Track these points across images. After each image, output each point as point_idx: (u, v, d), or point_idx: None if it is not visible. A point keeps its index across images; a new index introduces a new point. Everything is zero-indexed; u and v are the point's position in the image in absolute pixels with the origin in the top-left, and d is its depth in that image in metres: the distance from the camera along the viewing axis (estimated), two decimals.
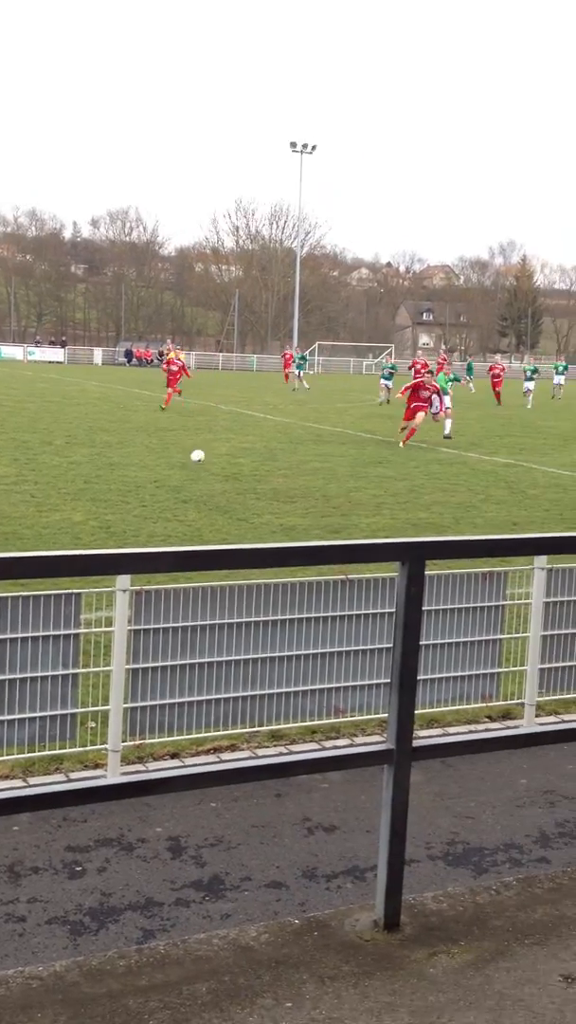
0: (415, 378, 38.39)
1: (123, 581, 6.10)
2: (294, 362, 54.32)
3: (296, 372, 52.80)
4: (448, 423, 27.94)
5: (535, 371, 45.61)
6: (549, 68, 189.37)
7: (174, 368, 35.40)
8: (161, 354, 57.85)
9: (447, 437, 27.12)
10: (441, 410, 27.39)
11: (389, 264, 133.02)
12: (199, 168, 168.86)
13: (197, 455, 20.09)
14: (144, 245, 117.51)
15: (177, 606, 6.13)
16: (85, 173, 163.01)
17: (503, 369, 44.18)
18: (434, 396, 26.33)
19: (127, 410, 34.03)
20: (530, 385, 43.71)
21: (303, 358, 55.89)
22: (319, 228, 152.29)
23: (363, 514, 15.23)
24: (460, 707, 7.22)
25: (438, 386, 26.69)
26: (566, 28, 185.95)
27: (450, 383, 31.48)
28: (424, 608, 6.64)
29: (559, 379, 50.09)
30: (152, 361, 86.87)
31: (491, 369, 45.50)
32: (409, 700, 3.46)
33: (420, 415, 25.53)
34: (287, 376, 57.48)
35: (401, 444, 25.16)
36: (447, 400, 29.05)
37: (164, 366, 36.57)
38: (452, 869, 5.37)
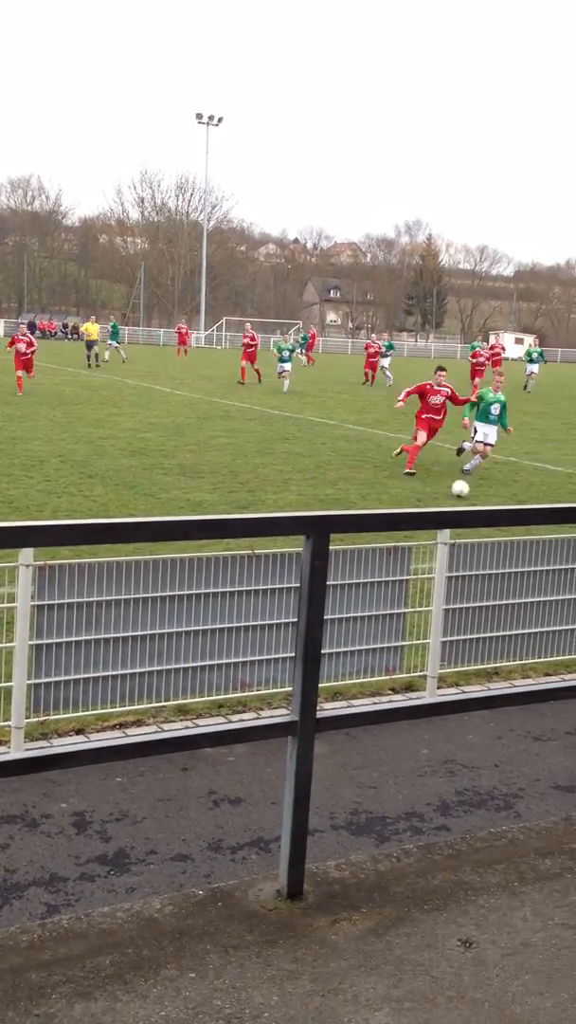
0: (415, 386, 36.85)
1: (26, 556, 6.01)
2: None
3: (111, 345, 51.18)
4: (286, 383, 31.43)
5: (540, 355, 45.76)
6: (457, 47, 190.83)
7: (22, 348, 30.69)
8: (66, 327, 56.82)
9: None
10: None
11: (296, 240, 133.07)
12: (103, 137, 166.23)
13: (460, 487, 15.71)
14: (47, 215, 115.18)
15: (81, 581, 6.07)
16: None
17: (379, 348, 43.07)
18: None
19: (30, 382, 33.41)
20: (534, 368, 43.67)
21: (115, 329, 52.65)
22: (226, 202, 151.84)
23: (270, 490, 15.27)
24: (364, 680, 7.31)
25: (451, 390, 18.08)
26: (475, 9, 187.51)
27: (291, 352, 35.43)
28: (329, 583, 6.74)
29: (532, 368, 44.91)
30: (55, 334, 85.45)
31: (367, 347, 44.43)
32: (313, 673, 3.50)
33: (422, 435, 18.01)
34: (179, 351, 58.60)
35: (407, 468, 17.77)
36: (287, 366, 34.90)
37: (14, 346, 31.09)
38: (355, 838, 5.45)
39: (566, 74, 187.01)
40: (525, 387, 42.11)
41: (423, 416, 17.99)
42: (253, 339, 39.82)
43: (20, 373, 30.10)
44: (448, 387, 18.00)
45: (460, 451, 18.80)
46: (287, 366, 36.57)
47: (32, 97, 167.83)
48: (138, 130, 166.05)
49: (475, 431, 17.83)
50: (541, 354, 46.27)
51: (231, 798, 5.82)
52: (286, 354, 37.09)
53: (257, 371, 38.84)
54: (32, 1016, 2.72)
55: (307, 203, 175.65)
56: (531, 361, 44.63)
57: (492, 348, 47.27)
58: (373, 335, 47.92)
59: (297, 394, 34.81)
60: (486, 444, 17.76)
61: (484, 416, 17.77)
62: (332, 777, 6.13)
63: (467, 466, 17.85)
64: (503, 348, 47.23)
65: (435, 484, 16.54)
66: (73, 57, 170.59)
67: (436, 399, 17.90)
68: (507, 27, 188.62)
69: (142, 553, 6.51)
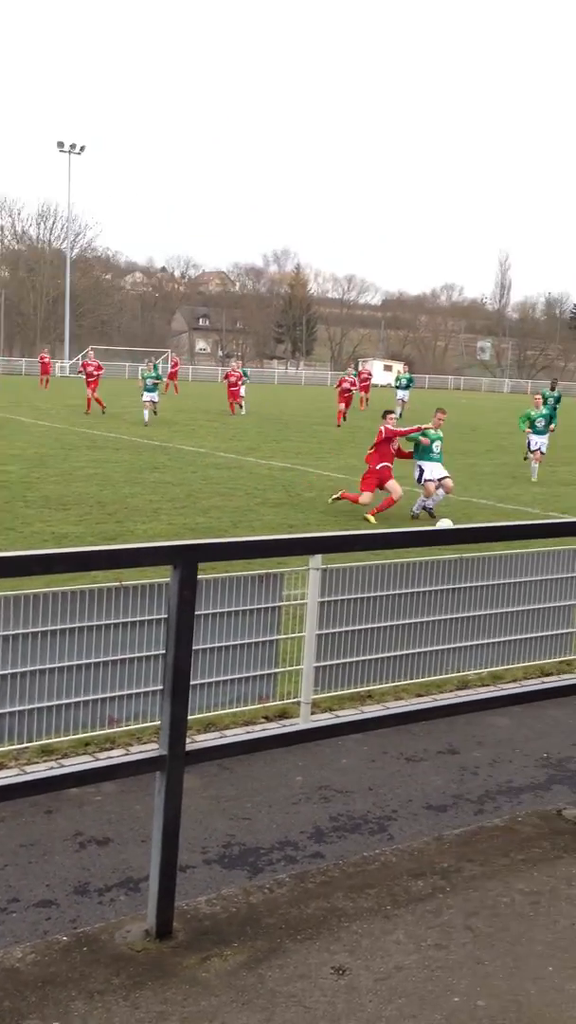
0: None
1: None
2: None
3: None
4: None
5: (410, 380, 46.44)
6: (318, 78, 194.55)
7: None
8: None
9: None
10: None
11: (164, 269, 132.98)
12: None
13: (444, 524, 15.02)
14: None
15: None
16: None
17: (239, 377, 42.46)
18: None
19: None
20: (404, 394, 44.05)
21: None
22: (90, 230, 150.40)
23: (139, 520, 15.11)
24: (238, 709, 7.25)
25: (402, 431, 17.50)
26: (330, 41, 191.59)
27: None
28: (200, 612, 6.67)
29: (403, 394, 44.44)
30: None
31: (227, 376, 44.02)
32: (181, 705, 3.45)
33: (392, 483, 16.81)
34: (42, 381, 58.04)
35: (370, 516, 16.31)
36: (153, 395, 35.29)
37: None
38: (228, 871, 5.38)
39: (425, 109, 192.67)
40: (400, 414, 42.69)
41: (380, 467, 16.83)
42: (98, 367, 39.74)
43: None
44: (398, 430, 17.49)
45: (416, 517, 17.01)
46: (154, 395, 35.73)
47: None
48: None
49: (420, 470, 17.19)
50: (410, 380, 47.42)
51: (98, 839, 5.67)
52: (149, 383, 36.15)
53: (98, 400, 38.18)
54: None
55: (174, 232, 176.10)
56: (402, 387, 45.23)
57: (360, 375, 48.12)
58: (233, 363, 47.70)
59: (167, 423, 34.65)
60: (441, 479, 17.04)
61: (427, 454, 17.30)
62: (204, 810, 6.04)
63: (425, 505, 17.00)
64: (370, 374, 48.11)
65: (307, 511, 16.65)
66: None
67: (395, 445, 17.29)
68: (366, 64, 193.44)
69: (3, 588, 6.33)
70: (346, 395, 40.15)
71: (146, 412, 34.89)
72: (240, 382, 42.38)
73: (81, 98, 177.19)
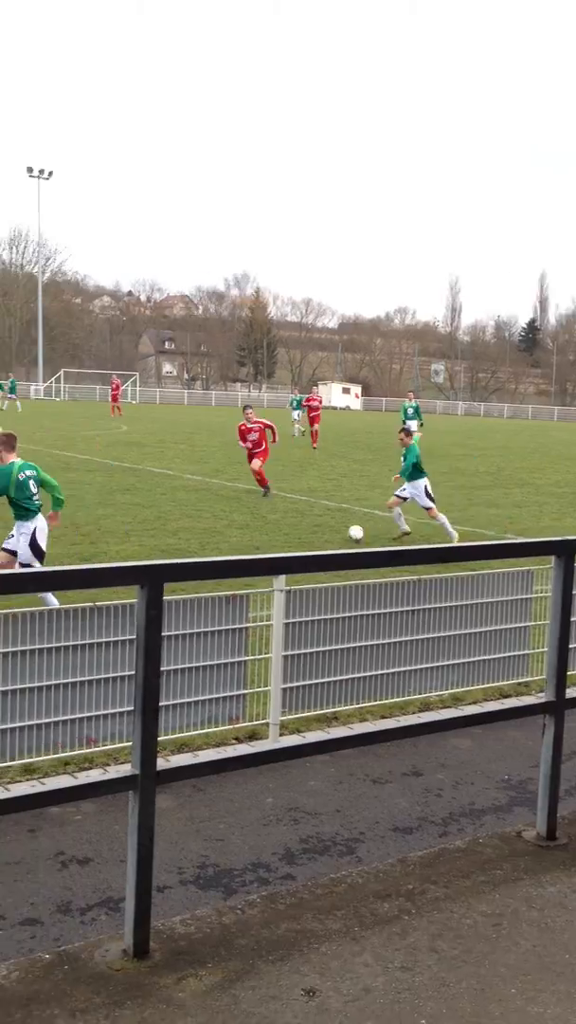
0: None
1: None
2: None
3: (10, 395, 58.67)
4: None
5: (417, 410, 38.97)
6: (278, 101, 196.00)
7: None
8: None
9: None
10: None
11: (130, 293, 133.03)
12: None
13: (356, 532, 16.26)
14: None
15: None
16: None
17: (320, 401, 40.18)
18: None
19: None
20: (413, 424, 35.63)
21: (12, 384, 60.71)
22: (60, 254, 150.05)
23: (112, 541, 15.17)
24: (209, 730, 7.34)
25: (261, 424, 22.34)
26: (307, 60, 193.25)
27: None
28: (169, 632, 6.77)
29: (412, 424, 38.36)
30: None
31: (308, 400, 41.19)
32: (152, 725, 3.52)
33: (256, 462, 22.09)
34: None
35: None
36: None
37: None
38: (203, 892, 5.46)
39: (382, 136, 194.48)
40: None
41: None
42: None
43: None
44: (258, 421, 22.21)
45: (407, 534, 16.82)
46: None
47: None
48: None
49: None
50: (417, 410, 39.51)
51: (80, 858, 5.74)
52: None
53: None
54: None
55: (139, 256, 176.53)
56: (410, 418, 37.53)
57: (309, 401, 41.56)
58: (314, 389, 44.77)
59: (136, 444, 34.69)
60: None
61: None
62: (179, 831, 6.12)
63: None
64: (319, 400, 41.71)
65: (272, 532, 16.76)
66: None
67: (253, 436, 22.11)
68: (323, 94, 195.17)
69: None
70: (314, 413, 38.87)
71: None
72: (321, 406, 40.60)
73: (49, 124, 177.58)
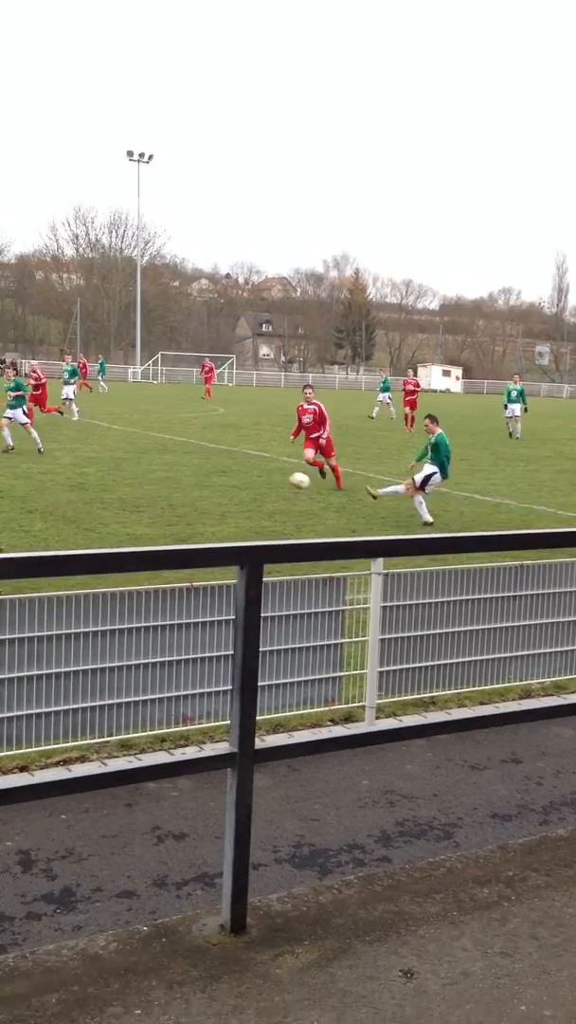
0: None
1: None
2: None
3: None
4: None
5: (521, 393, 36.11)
6: (382, 83, 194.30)
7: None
8: (3, 362, 56.95)
9: None
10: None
11: (228, 275, 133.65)
12: (37, 174, 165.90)
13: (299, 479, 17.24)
14: None
15: (23, 616, 6.05)
16: None
17: (416, 385, 38.64)
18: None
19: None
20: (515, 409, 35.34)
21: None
22: (159, 238, 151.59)
23: (208, 523, 15.29)
24: (304, 712, 7.35)
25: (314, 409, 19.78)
26: (397, 47, 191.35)
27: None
28: (266, 614, 6.78)
29: (514, 408, 36.18)
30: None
31: (405, 384, 39.48)
32: (250, 704, 3.53)
33: (308, 451, 19.98)
34: (85, 384, 58.61)
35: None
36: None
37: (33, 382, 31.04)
38: (298, 871, 5.47)
39: (486, 112, 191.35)
40: (510, 434, 35.36)
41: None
42: (38, 379, 35.00)
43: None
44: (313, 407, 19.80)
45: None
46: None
47: None
48: (71, 168, 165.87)
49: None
50: (521, 393, 36.35)
51: (175, 833, 5.82)
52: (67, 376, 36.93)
53: (51, 408, 33.19)
54: None
55: (238, 238, 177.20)
56: (513, 401, 35.92)
57: (406, 386, 39.57)
58: (410, 372, 43.70)
59: (233, 427, 34.92)
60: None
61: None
62: (275, 810, 6.15)
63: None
64: (416, 384, 39.42)
65: (369, 515, 16.69)
66: (5, 96, 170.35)
67: (306, 419, 19.86)
68: (432, 69, 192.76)
69: (83, 587, 6.51)
70: (410, 397, 37.55)
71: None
72: (418, 390, 39.07)
73: (149, 108, 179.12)
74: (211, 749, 6.44)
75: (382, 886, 3.95)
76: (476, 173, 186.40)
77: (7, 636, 6.03)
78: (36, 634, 6.09)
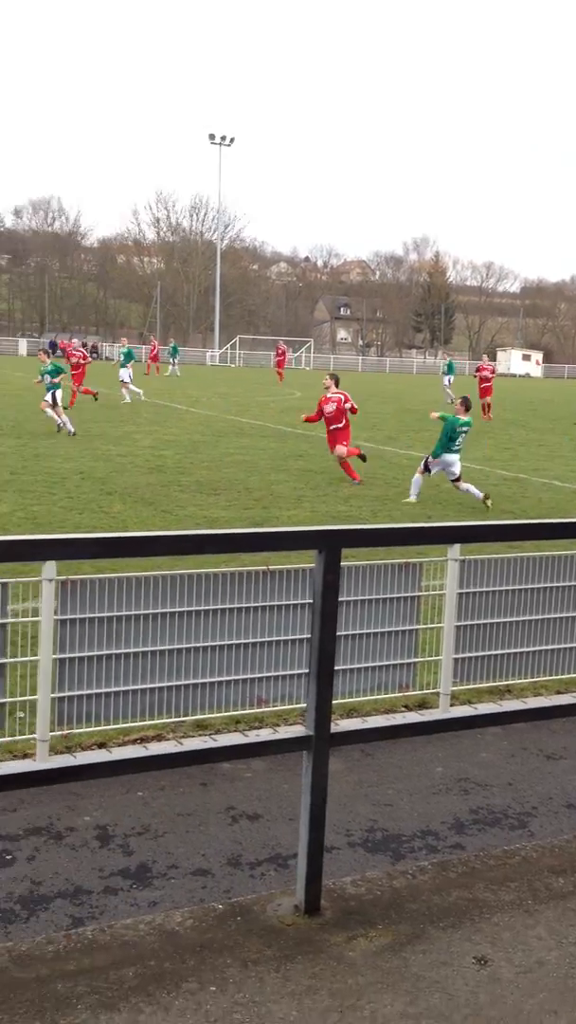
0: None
1: (49, 570, 6.10)
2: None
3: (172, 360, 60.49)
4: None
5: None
6: (463, 67, 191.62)
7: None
8: (85, 346, 57.40)
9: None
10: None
11: (307, 259, 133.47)
12: (119, 158, 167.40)
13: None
14: (67, 235, 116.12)
15: (102, 596, 6.15)
16: (7, 162, 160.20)
17: (492, 371, 36.40)
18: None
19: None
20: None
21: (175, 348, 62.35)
22: (239, 221, 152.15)
23: (284, 507, 15.34)
24: (378, 697, 7.35)
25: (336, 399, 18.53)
26: (486, 27, 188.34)
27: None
28: (342, 599, 6.79)
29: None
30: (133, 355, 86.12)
31: (479, 369, 37.43)
32: (326, 687, 3.54)
33: (339, 448, 18.55)
34: (152, 367, 58.87)
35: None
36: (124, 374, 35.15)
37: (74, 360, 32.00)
38: (371, 855, 5.49)
39: (559, 93, 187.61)
40: None
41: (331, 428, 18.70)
42: (84, 356, 34.11)
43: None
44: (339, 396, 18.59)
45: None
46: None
47: (51, 120, 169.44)
48: (153, 151, 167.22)
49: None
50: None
51: (249, 814, 5.88)
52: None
53: (87, 390, 32.21)
54: None
55: (317, 221, 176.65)
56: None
57: (480, 371, 37.38)
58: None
59: (309, 411, 34.82)
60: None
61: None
62: (348, 794, 6.17)
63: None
64: (491, 369, 36.72)
65: (446, 501, 16.57)
66: (89, 81, 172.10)
67: (329, 407, 18.62)
68: (513, 47, 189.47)
69: (160, 569, 6.59)
70: (485, 384, 35.15)
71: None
72: (493, 376, 36.77)
73: (231, 91, 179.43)
74: (286, 731, 6.48)
75: (456, 873, 3.94)
76: (559, 153, 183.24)
77: (88, 615, 6.14)
78: (115, 614, 6.18)
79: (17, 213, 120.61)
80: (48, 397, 24.63)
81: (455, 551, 7.33)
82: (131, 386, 36.17)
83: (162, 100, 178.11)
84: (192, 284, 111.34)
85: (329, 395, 18.75)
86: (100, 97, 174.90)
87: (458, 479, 16.29)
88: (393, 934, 3.43)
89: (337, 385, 19.04)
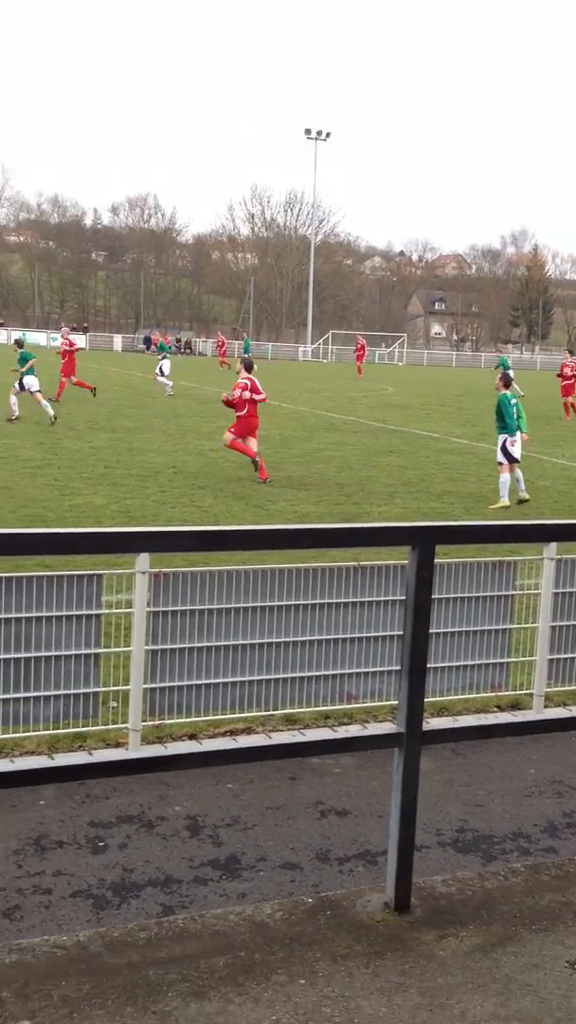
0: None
1: (142, 563, 6.19)
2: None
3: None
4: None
5: None
6: (560, 58, 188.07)
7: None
8: (179, 341, 57.74)
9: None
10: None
11: (402, 253, 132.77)
12: (215, 155, 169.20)
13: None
14: (162, 232, 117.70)
15: (194, 589, 6.21)
16: (105, 160, 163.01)
17: (574, 368, 33.28)
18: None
19: (146, 396, 34.22)
20: None
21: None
22: (333, 216, 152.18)
23: (375, 503, 15.29)
24: (470, 696, 7.28)
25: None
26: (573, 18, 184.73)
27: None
28: (435, 596, 6.73)
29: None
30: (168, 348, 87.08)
31: (563, 367, 34.13)
32: (419, 684, 3.51)
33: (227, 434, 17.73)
34: (223, 361, 58.33)
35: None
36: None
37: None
38: (461, 856, 5.44)
39: None
40: None
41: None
42: (71, 344, 32.13)
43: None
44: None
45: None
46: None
47: (148, 119, 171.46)
48: (249, 148, 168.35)
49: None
50: None
51: (338, 809, 5.87)
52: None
53: (80, 383, 31.29)
54: (149, 1013, 2.80)
55: (412, 215, 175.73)
56: None
57: (563, 368, 34.26)
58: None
59: (401, 407, 34.73)
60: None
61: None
62: (438, 794, 6.12)
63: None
64: (573, 368, 33.37)
65: (541, 499, 16.32)
66: (186, 79, 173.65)
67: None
68: None
69: (252, 563, 6.62)
70: (567, 382, 32.94)
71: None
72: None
73: (327, 86, 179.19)
74: (376, 728, 6.46)
75: (549, 876, 3.88)
76: None
77: (180, 608, 6.20)
78: (207, 607, 6.23)
79: (114, 210, 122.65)
80: (16, 385, 24.82)
81: (551, 550, 7.21)
82: (160, 378, 36.59)
83: (258, 96, 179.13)
84: (285, 279, 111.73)
85: (239, 380, 17.59)
86: (198, 95, 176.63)
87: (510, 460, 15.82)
88: (484, 935, 3.39)
89: (248, 370, 17.82)
